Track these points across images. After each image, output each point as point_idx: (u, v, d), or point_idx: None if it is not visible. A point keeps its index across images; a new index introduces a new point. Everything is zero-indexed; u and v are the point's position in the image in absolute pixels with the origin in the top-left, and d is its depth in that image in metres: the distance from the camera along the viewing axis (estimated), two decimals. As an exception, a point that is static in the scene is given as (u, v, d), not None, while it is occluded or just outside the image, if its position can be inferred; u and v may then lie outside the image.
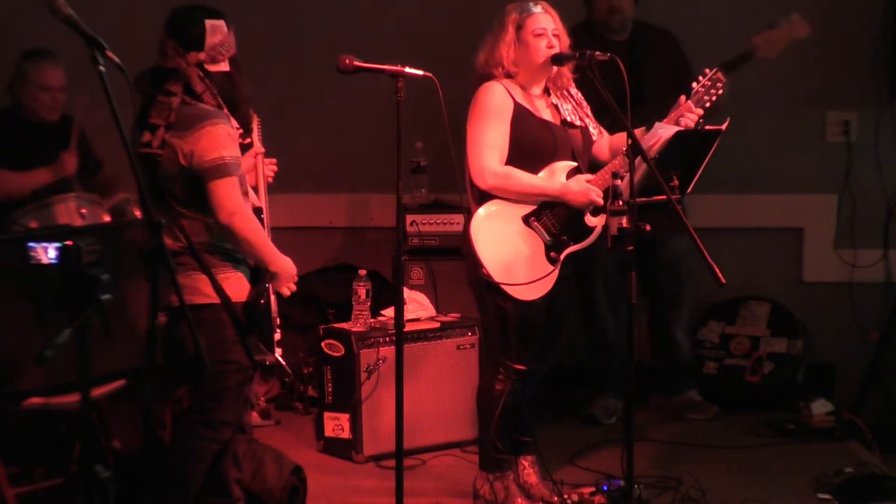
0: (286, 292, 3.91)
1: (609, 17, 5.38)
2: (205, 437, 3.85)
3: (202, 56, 3.76)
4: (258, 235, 3.79)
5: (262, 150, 4.22)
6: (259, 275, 3.84)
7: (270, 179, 4.27)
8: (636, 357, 3.81)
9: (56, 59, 5.16)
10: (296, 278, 3.92)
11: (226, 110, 3.81)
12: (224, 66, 3.82)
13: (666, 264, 5.52)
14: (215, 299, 3.73)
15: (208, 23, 3.76)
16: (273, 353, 3.90)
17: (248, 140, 3.93)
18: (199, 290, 3.73)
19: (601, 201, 4.21)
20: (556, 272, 4.25)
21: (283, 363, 3.99)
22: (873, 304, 5.95)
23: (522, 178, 4.22)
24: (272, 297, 3.93)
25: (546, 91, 4.37)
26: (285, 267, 3.87)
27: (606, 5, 5.37)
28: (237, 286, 3.80)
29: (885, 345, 5.73)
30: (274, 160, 4.26)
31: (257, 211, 3.94)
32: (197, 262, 3.72)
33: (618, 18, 5.39)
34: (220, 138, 3.70)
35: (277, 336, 3.98)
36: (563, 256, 4.27)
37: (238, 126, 3.87)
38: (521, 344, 4.29)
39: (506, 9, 4.30)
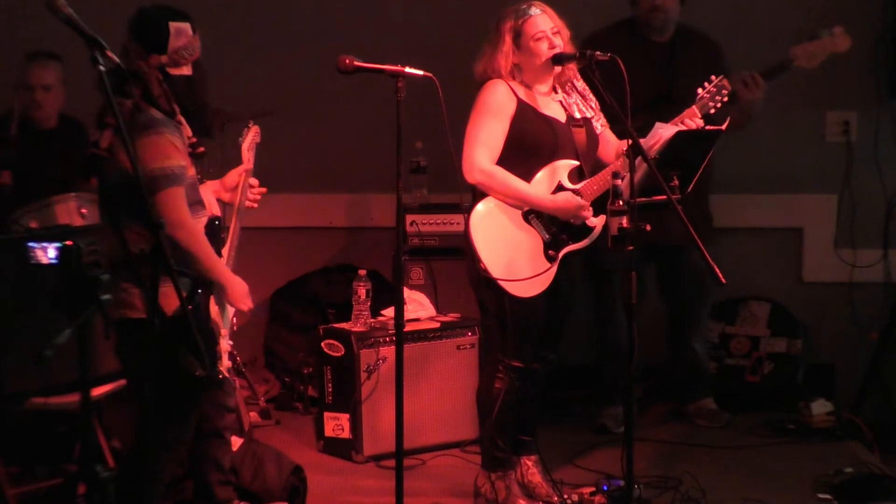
0: (243, 308, 3.85)
1: (651, 15, 5.33)
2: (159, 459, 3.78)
3: (164, 59, 3.68)
4: (202, 249, 3.67)
5: (250, 166, 4.11)
6: (194, 287, 3.65)
7: (254, 205, 4.16)
8: (638, 360, 3.80)
9: (45, 58, 5.14)
10: (248, 298, 3.84)
11: (179, 117, 3.73)
12: (186, 70, 3.74)
13: (689, 271, 5.48)
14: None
15: (172, 25, 3.69)
16: (208, 362, 3.76)
17: (200, 149, 3.80)
18: (133, 304, 3.62)
19: (585, 216, 4.22)
20: (554, 270, 4.25)
21: (224, 373, 3.90)
22: (873, 304, 5.95)
23: (508, 181, 4.22)
24: (215, 309, 3.83)
25: (554, 88, 4.37)
26: (233, 282, 3.80)
27: (650, 3, 5.32)
28: (171, 299, 3.53)
29: (885, 345, 5.73)
30: (264, 190, 4.16)
31: (214, 220, 3.83)
32: (133, 275, 3.59)
33: (660, 17, 5.34)
34: (163, 148, 3.60)
35: (227, 346, 3.89)
36: (561, 255, 4.27)
37: (191, 135, 3.77)
38: (518, 341, 4.29)
39: (501, 15, 4.29)
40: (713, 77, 4.40)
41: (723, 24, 5.80)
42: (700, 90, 4.37)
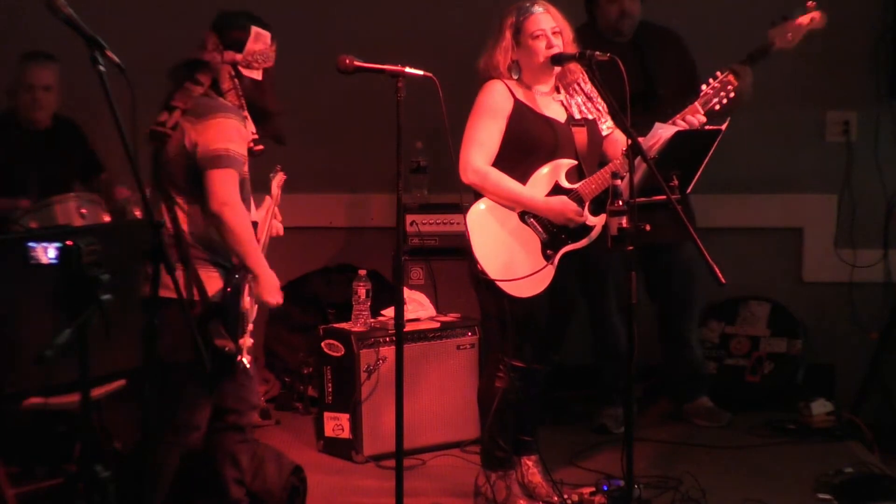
0: (272, 302, 3.90)
1: (621, 21, 5.32)
2: (166, 441, 3.84)
3: (238, 57, 3.88)
4: (245, 231, 3.80)
5: (278, 202, 4.18)
6: (232, 274, 3.82)
7: (274, 233, 4.20)
8: (637, 359, 3.80)
9: (43, 58, 5.13)
10: (279, 292, 3.91)
11: (246, 112, 3.90)
12: (257, 75, 3.93)
13: (677, 270, 5.48)
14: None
15: (254, 29, 3.90)
16: (237, 343, 3.83)
17: (259, 147, 3.95)
18: (166, 283, 3.57)
19: (579, 221, 4.22)
20: (552, 270, 4.25)
21: (248, 366, 3.94)
22: (873, 304, 5.95)
23: (501, 182, 4.22)
24: (247, 300, 3.89)
25: (557, 88, 4.37)
26: (268, 274, 3.86)
27: (618, 10, 5.31)
28: (209, 285, 3.80)
29: (885, 345, 5.73)
30: (281, 226, 4.19)
31: (252, 225, 3.92)
32: (179, 255, 3.76)
33: (629, 22, 5.34)
34: (228, 131, 3.78)
35: (250, 342, 3.93)
36: (559, 254, 4.27)
37: (255, 132, 3.92)
38: (519, 341, 4.29)
39: (504, 12, 4.30)
40: (718, 73, 4.39)
41: (721, 19, 5.81)
42: (704, 86, 4.37)
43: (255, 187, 4.11)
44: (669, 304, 5.61)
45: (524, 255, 4.24)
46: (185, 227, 3.80)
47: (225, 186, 3.75)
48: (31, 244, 3.04)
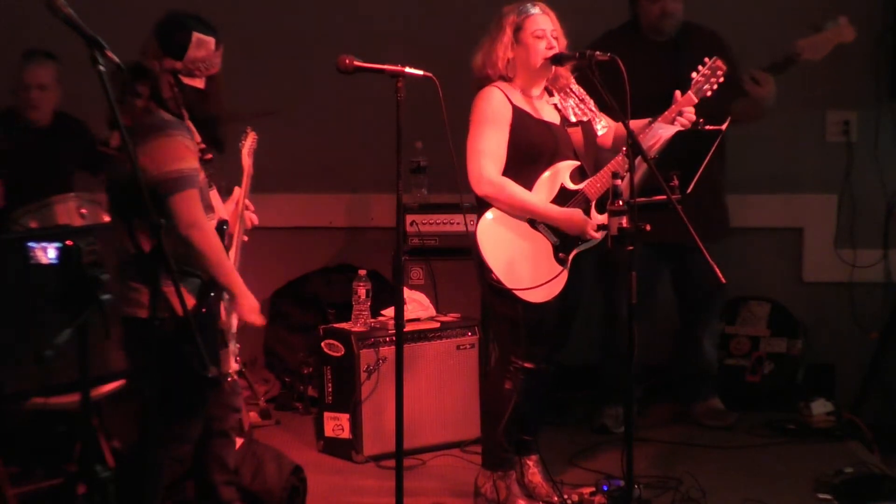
0: (254, 323, 3.81)
1: (662, 21, 5.31)
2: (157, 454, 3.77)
3: (178, 65, 3.66)
4: (216, 253, 3.65)
5: (251, 171, 4.08)
6: (206, 289, 3.69)
7: (249, 225, 4.15)
8: (638, 360, 3.80)
9: (41, 57, 5.13)
10: (259, 314, 3.81)
11: (188, 122, 3.72)
12: (199, 83, 3.71)
13: (702, 270, 5.47)
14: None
15: (196, 35, 3.67)
16: (218, 364, 3.75)
17: (209, 156, 3.77)
18: (142, 302, 3.57)
19: (596, 236, 4.21)
20: (566, 273, 4.25)
21: (233, 376, 3.89)
22: (873, 304, 5.95)
23: (516, 193, 4.22)
24: (224, 312, 3.83)
25: (548, 91, 4.37)
26: (245, 295, 3.76)
27: (660, 10, 5.30)
28: (177, 302, 3.60)
29: (885, 345, 5.73)
30: (255, 216, 4.16)
31: (222, 223, 3.83)
32: (141, 273, 3.57)
33: (670, 22, 5.33)
34: (176, 150, 3.58)
35: (235, 349, 3.88)
36: (571, 256, 4.27)
37: (200, 141, 3.75)
38: (530, 343, 4.29)
39: (503, 11, 4.30)
40: (706, 59, 4.39)
41: (723, 21, 5.80)
42: (694, 74, 4.36)
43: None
44: (688, 303, 5.62)
45: (537, 260, 4.23)
46: (145, 245, 3.57)
47: (189, 209, 3.57)
48: (31, 244, 3.05)
